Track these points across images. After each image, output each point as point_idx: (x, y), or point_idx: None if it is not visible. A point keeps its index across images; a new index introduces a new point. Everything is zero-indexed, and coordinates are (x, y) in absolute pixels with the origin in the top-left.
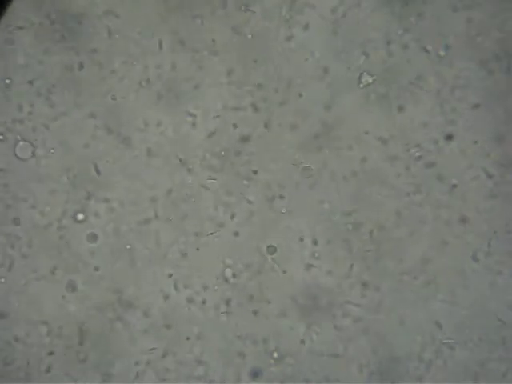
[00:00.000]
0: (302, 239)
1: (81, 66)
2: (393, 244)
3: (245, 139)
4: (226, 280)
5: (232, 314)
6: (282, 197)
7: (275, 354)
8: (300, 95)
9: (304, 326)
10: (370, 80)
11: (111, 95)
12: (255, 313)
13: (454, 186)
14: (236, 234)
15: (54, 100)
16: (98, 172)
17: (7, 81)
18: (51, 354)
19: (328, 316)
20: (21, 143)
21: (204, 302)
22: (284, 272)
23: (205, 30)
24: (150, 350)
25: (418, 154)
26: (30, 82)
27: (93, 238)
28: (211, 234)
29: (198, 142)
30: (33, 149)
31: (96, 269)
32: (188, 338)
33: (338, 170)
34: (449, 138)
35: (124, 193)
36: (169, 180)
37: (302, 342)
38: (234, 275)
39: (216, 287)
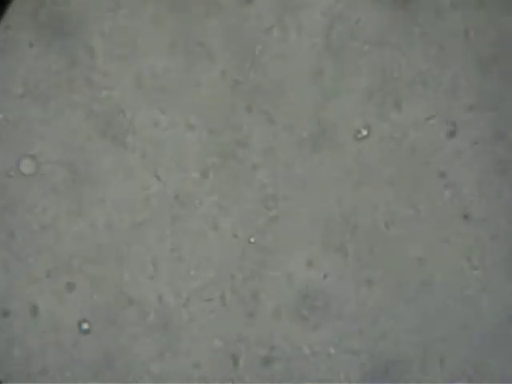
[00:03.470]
0: (298, 239)
1: (77, 67)
2: (389, 243)
3: (240, 140)
4: (222, 281)
5: (228, 316)
6: (277, 198)
7: (270, 354)
8: (295, 96)
9: (300, 326)
10: (365, 132)
11: (107, 96)
12: (250, 314)
13: (453, 184)
14: (232, 234)
15: (49, 101)
16: (93, 173)
17: (3, 82)
18: (49, 353)
19: (324, 316)
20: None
21: (199, 303)
22: (281, 273)
23: (200, 32)
24: (145, 350)
25: (415, 152)
26: (25, 83)
27: (88, 239)
28: (207, 234)
29: (193, 143)
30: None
31: (92, 269)
32: (183, 339)
33: (333, 169)
34: (448, 136)
35: (119, 194)
36: (164, 181)
37: (298, 342)
38: (229, 276)
39: (211, 288)
